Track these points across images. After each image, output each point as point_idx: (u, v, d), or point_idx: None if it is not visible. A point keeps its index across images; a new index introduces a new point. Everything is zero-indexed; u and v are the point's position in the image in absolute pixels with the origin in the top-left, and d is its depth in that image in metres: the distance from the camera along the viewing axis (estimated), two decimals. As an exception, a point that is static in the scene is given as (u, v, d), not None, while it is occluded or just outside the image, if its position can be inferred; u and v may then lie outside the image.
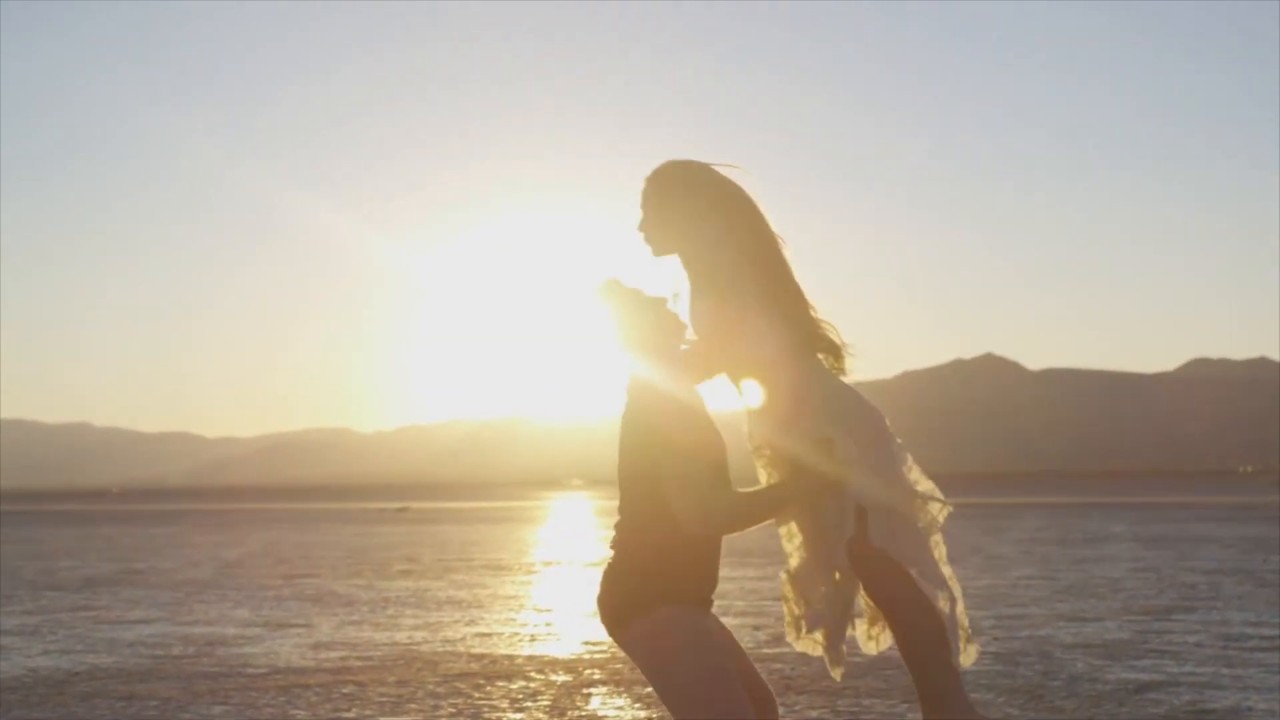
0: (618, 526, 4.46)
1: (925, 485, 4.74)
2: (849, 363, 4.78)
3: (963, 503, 60.36)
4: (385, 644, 11.61)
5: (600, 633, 12.21)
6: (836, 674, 4.94)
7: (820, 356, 4.76)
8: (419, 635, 12.23)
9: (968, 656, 4.73)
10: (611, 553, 4.44)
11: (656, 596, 4.31)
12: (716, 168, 4.76)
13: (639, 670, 4.42)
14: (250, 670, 10.13)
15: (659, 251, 4.76)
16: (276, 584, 18.49)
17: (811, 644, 4.92)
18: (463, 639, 11.93)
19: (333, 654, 11.00)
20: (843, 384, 4.74)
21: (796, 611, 4.89)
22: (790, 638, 4.97)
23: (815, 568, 4.77)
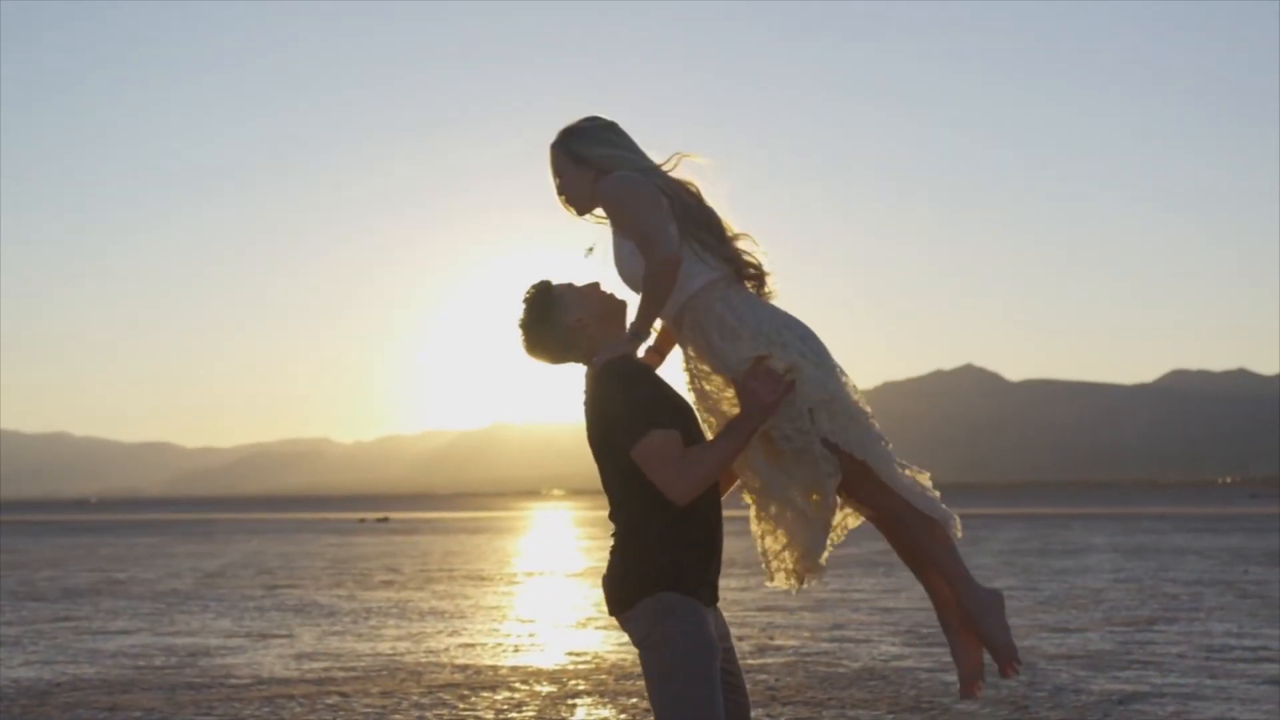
0: (613, 516, 4.46)
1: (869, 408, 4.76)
2: (772, 283, 4.79)
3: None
4: (368, 655, 11.59)
5: (584, 643, 12.21)
6: (815, 581, 4.88)
7: (748, 284, 4.78)
8: (402, 646, 12.21)
9: (958, 529, 4.73)
10: (614, 539, 4.44)
11: (658, 579, 4.31)
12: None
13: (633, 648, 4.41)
14: (233, 681, 10.11)
15: (581, 211, 4.80)
16: (258, 594, 18.45)
17: (785, 575, 4.86)
18: (446, 650, 11.91)
19: (316, 664, 10.98)
20: (774, 306, 4.74)
21: (774, 547, 4.84)
22: (768, 581, 4.93)
23: (783, 491, 4.74)
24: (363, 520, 65.02)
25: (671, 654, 4.27)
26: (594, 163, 4.70)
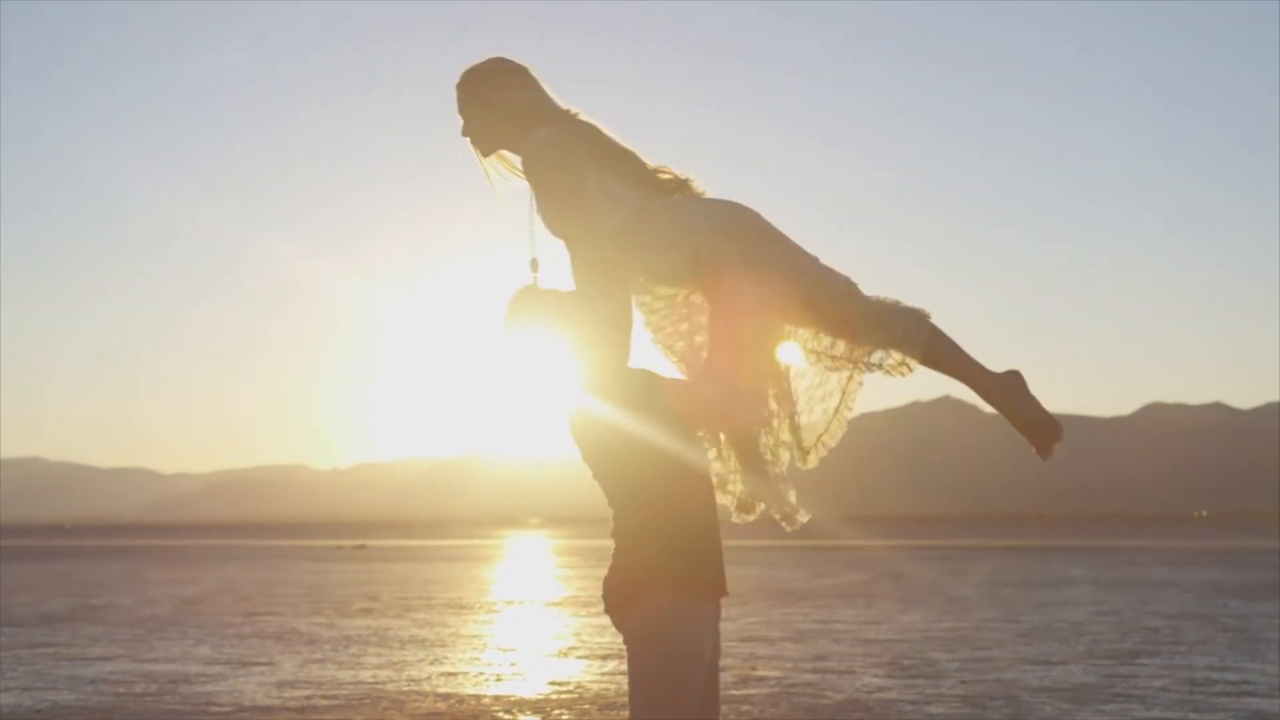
0: (614, 521, 4.44)
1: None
2: (697, 185, 4.79)
3: (921, 545, 60.50)
4: (350, 683, 11.54)
5: (567, 672, 12.17)
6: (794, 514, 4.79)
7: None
8: (383, 674, 12.16)
9: (928, 318, 4.70)
10: (614, 544, 4.42)
11: (656, 580, 4.28)
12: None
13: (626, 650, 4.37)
14: (215, 709, 10.05)
15: (486, 151, 4.81)
16: (237, 621, 18.37)
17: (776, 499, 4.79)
18: (428, 678, 11.86)
19: (298, 693, 10.93)
20: (698, 201, 4.74)
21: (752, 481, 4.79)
22: (743, 517, 4.87)
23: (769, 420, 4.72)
24: (339, 547, 64.85)
25: (659, 656, 4.25)
26: (498, 105, 4.72)
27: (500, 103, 4.71)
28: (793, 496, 4.81)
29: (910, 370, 4.66)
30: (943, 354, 4.64)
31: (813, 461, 4.83)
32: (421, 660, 13.35)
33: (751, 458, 4.79)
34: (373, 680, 11.71)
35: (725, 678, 11.55)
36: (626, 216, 4.65)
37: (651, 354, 4.85)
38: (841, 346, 4.71)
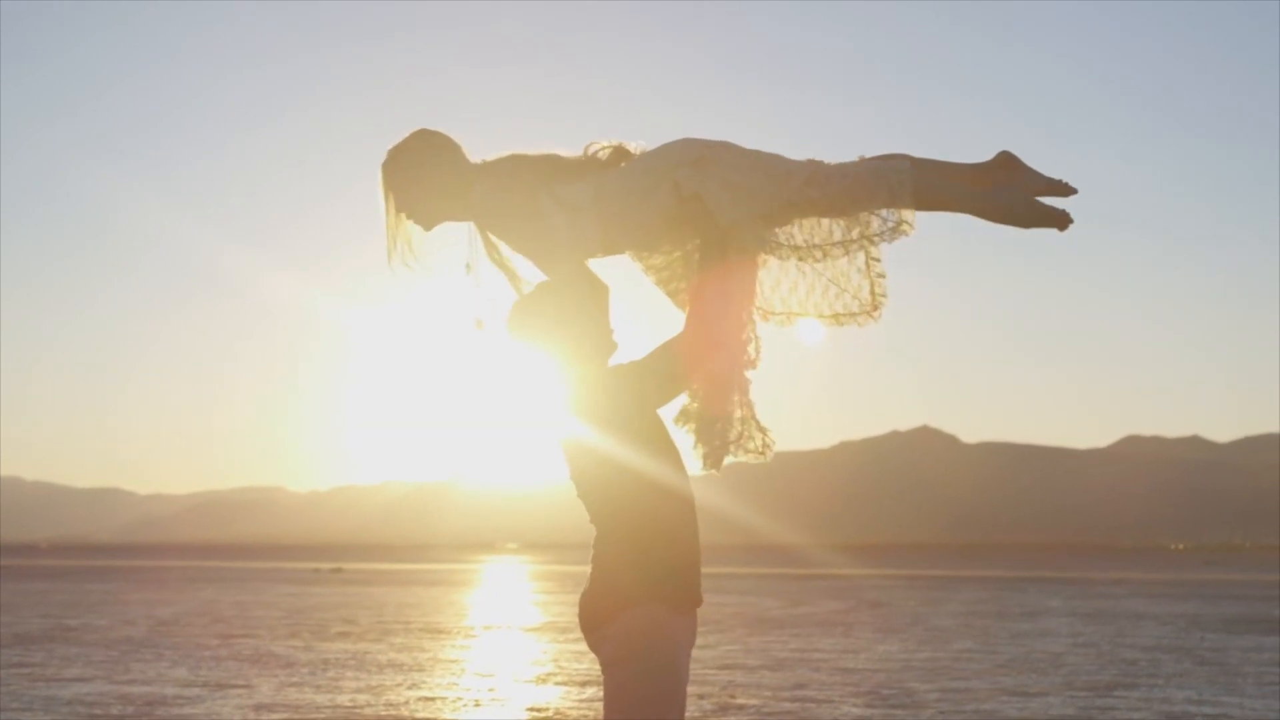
0: (595, 539, 4.44)
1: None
2: (634, 146, 4.83)
3: (899, 573, 60.50)
4: (328, 707, 11.51)
5: (545, 698, 12.14)
6: (768, 454, 4.77)
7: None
8: (361, 698, 12.12)
9: (908, 174, 4.71)
10: (592, 563, 4.41)
11: (635, 595, 4.27)
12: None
13: (600, 668, 4.36)
14: (192, 731, 10.01)
15: (430, 224, 4.81)
16: (214, 644, 18.30)
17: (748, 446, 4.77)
18: (406, 703, 11.84)
19: (275, 716, 10.89)
20: (645, 153, 4.78)
21: (729, 428, 4.76)
22: (718, 465, 4.83)
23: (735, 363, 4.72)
24: (316, 570, 64.70)
25: (638, 668, 4.24)
26: (433, 181, 4.75)
27: (433, 178, 4.74)
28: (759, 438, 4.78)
29: (910, 228, 4.67)
30: (932, 196, 4.65)
31: (879, 316, 4.81)
32: (399, 685, 13.31)
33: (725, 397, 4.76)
34: (350, 704, 11.68)
35: (704, 705, 11.54)
36: (594, 207, 4.69)
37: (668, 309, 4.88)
38: (839, 231, 4.72)
